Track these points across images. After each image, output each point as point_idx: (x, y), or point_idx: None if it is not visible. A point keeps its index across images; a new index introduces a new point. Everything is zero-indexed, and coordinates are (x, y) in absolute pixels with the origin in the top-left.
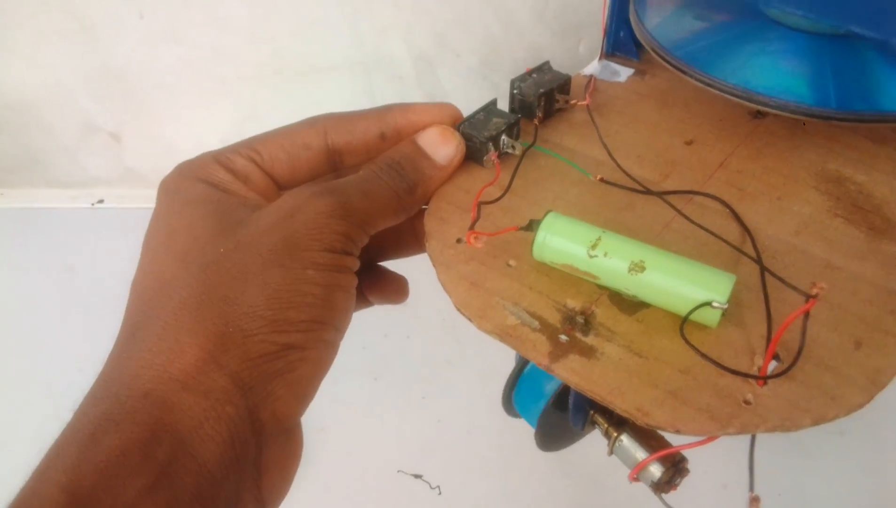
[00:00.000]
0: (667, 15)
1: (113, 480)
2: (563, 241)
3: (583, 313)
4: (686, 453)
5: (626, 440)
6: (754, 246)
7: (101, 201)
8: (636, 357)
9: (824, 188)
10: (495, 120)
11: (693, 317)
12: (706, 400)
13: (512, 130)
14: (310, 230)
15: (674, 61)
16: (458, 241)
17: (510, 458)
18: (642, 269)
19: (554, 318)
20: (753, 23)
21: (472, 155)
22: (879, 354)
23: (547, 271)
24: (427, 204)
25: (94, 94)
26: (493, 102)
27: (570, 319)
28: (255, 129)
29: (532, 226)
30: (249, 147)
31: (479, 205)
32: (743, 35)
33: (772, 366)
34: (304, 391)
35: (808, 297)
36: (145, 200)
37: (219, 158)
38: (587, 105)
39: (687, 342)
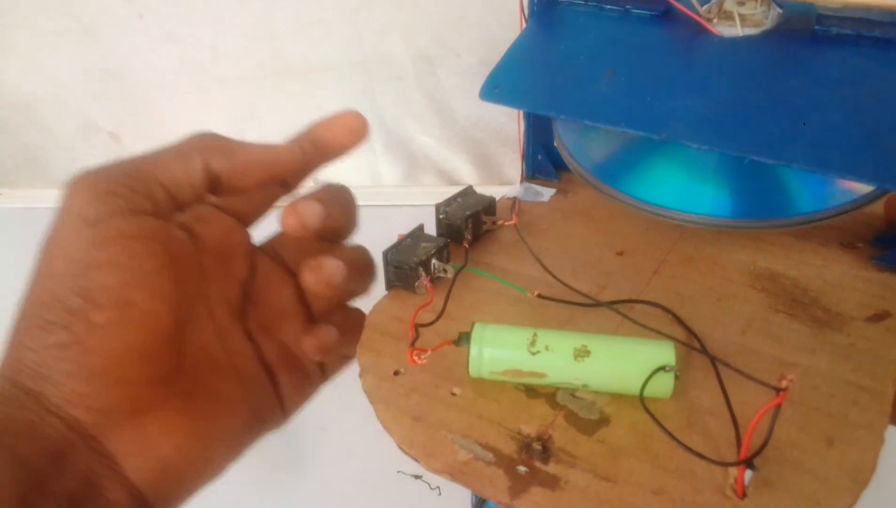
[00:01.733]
0: (588, 136)
1: None
2: (499, 348)
3: (539, 439)
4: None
5: None
6: (703, 349)
7: None
8: (605, 482)
9: (760, 286)
10: (424, 245)
11: (649, 392)
12: None
13: (441, 253)
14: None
15: (595, 182)
16: (396, 373)
17: None
18: (587, 353)
19: (509, 448)
20: (668, 142)
21: (404, 282)
22: (854, 449)
23: (495, 395)
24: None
25: (94, 94)
26: (420, 228)
27: (526, 447)
28: (254, 128)
29: (461, 338)
30: (149, 179)
31: (417, 326)
32: (660, 154)
33: (749, 476)
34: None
35: (778, 390)
36: None
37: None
38: (514, 224)
39: (650, 414)
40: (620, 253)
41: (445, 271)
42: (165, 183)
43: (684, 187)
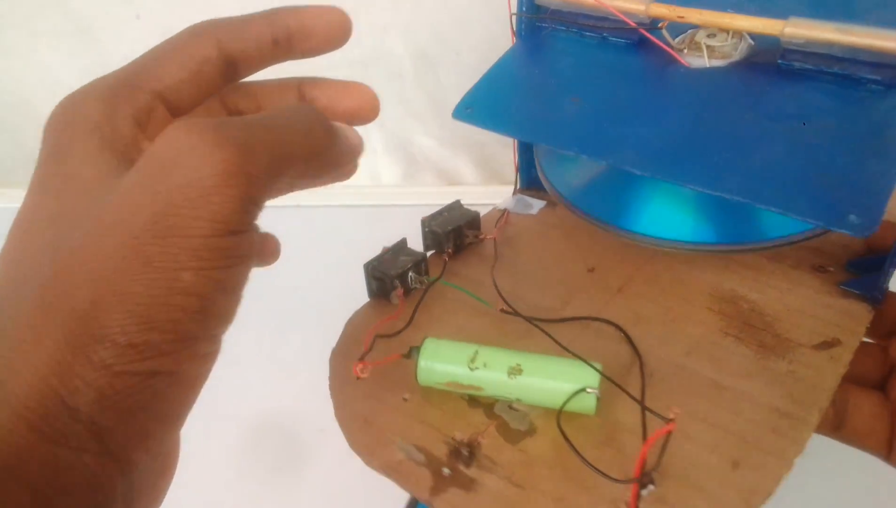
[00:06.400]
0: (562, 160)
1: None
2: (442, 363)
3: (469, 445)
4: None
5: None
6: (641, 370)
7: None
8: (514, 488)
9: (717, 308)
10: (403, 258)
11: (573, 408)
12: None
13: (419, 266)
14: (192, 199)
15: (572, 208)
16: (359, 378)
17: None
18: (520, 371)
19: (441, 451)
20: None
21: (383, 293)
22: (756, 474)
23: (440, 403)
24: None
25: None
26: (403, 242)
27: (455, 451)
28: None
29: (412, 353)
30: (151, 76)
31: (375, 337)
32: (631, 178)
33: (647, 492)
34: (176, 416)
35: (667, 421)
36: None
37: (119, 94)
38: (494, 238)
39: (563, 433)
40: (591, 270)
41: (421, 282)
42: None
43: (654, 211)
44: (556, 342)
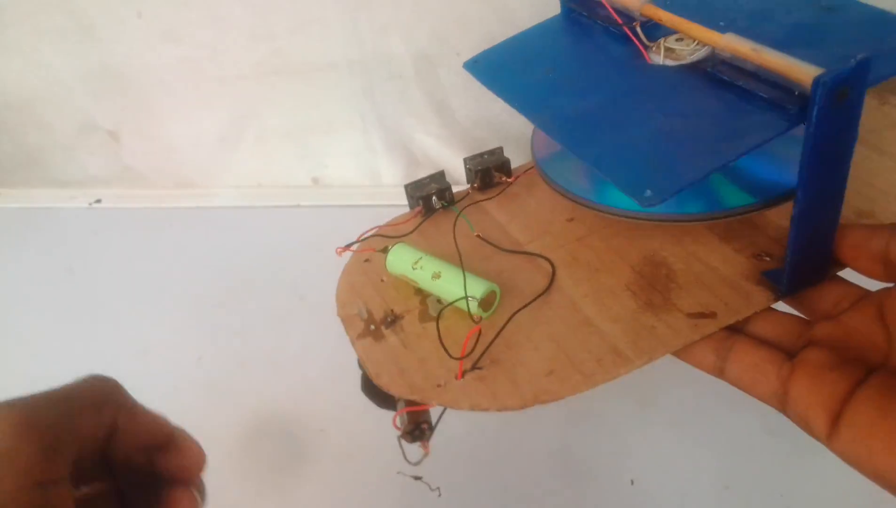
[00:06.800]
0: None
1: None
2: (399, 260)
3: (395, 316)
4: (686, 457)
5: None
6: (538, 297)
7: (98, 201)
8: (402, 348)
9: (639, 268)
10: (433, 185)
11: (463, 307)
12: (418, 380)
13: (443, 193)
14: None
15: (550, 182)
16: (367, 260)
17: (510, 458)
18: (439, 276)
19: (378, 316)
20: None
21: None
22: (560, 383)
23: (399, 287)
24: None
25: (93, 93)
26: (441, 173)
27: (385, 317)
28: (254, 127)
29: (386, 250)
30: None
31: (375, 235)
32: None
33: (476, 371)
34: None
35: (476, 323)
36: (143, 200)
37: None
38: (511, 182)
39: (437, 322)
40: (570, 220)
41: (442, 205)
42: (84, 438)
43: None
44: (462, 264)
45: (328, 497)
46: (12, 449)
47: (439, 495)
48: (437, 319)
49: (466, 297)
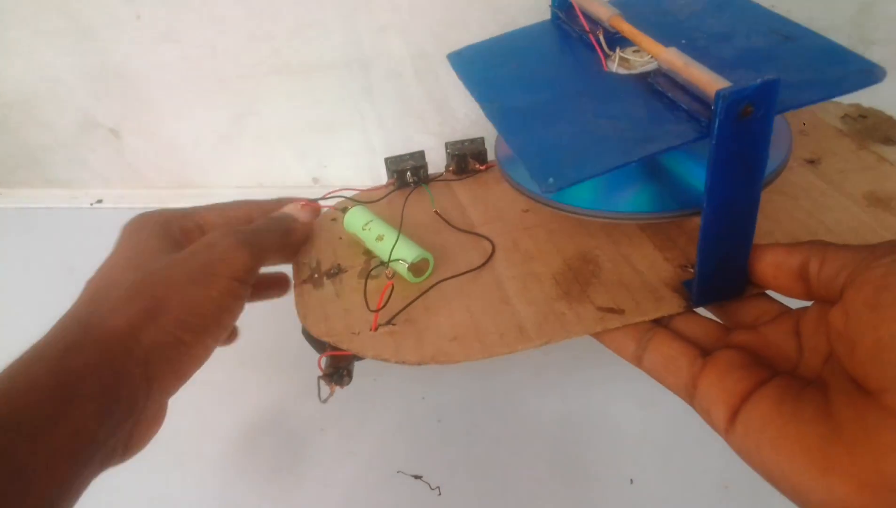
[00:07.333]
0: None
1: (72, 388)
2: (353, 220)
3: (339, 268)
4: (686, 457)
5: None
6: (468, 271)
7: (99, 201)
8: (335, 298)
9: (571, 262)
10: (410, 162)
11: (399, 270)
12: (339, 328)
13: (417, 170)
14: (221, 260)
15: (514, 183)
16: (333, 219)
17: (510, 458)
18: (381, 239)
19: (325, 267)
20: None
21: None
22: (459, 348)
23: (354, 244)
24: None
25: (93, 92)
26: (421, 152)
27: (330, 270)
28: (254, 126)
29: (345, 211)
30: (197, 216)
31: (338, 196)
32: None
33: (391, 326)
34: (181, 377)
35: (389, 278)
36: (144, 200)
37: (174, 218)
38: (483, 169)
39: (365, 280)
40: (525, 211)
41: (414, 181)
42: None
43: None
44: (401, 231)
45: (328, 497)
46: (234, 256)
47: (439, 494)
48: (367, 276)
49: (396, 260)
